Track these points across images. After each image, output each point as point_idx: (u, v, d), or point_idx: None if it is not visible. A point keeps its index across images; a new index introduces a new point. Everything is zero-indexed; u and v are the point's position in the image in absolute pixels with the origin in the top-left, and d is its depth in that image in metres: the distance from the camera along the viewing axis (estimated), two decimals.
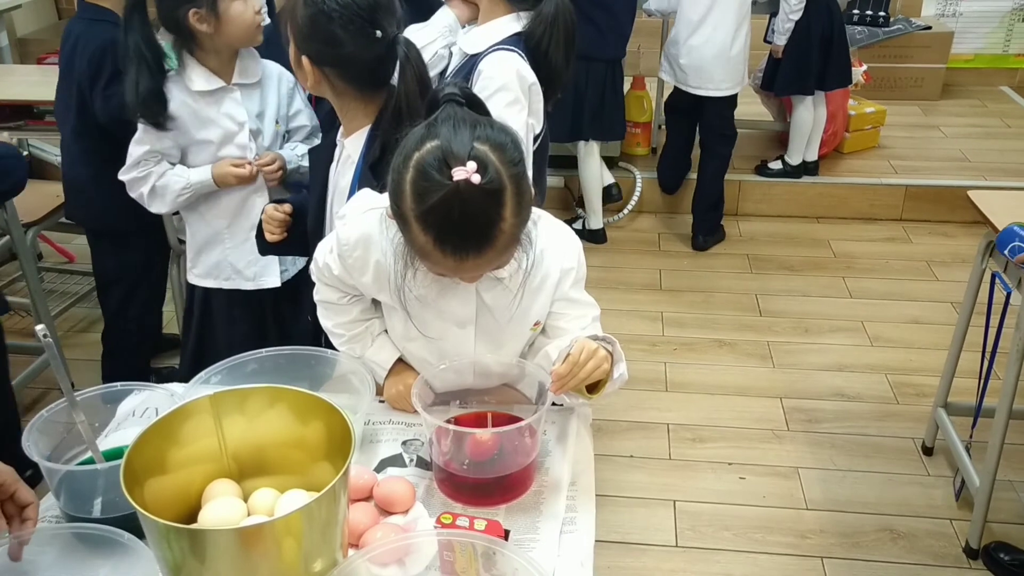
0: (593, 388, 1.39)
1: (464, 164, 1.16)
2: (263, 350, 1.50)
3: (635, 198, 4.42)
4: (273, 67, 2.28)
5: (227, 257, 2.32)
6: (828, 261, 4.00)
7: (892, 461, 2.74)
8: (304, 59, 1.64)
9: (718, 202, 4.16)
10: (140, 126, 2.17)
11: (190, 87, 2.14)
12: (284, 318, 2.40)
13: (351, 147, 1.71)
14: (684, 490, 2.64)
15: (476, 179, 1.15)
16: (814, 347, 3.34)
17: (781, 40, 4.01)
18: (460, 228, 1.19)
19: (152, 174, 2.22)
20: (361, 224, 1.42)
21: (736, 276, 3.88)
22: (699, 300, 3.68)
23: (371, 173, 1.62)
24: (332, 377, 1.53)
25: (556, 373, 1.31)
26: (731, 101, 3.92)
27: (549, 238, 1.44)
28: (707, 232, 4.14)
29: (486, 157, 1.18)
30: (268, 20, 2.23)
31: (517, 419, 1.37)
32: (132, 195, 2.27)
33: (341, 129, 1.75)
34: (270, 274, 2.34)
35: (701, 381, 3.15)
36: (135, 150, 2.21)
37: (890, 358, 3.25)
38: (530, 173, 1.95)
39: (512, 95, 1.94)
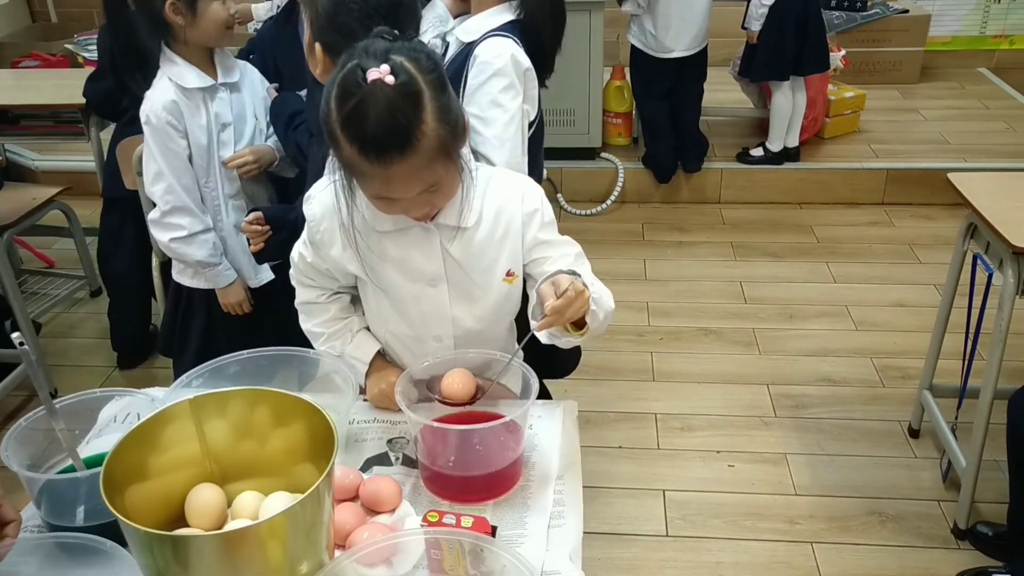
0: (578, 327, 1.38)
1: (378, 68, 1.20)
2: (244, 352, 1.49)
3: (618, 188, 4.42)
4: (247, 66, 2.29)
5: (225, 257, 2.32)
6: (811, 247, 4.01)
7: (879, 444, 2.75)
8: (317, 46, 1.64)
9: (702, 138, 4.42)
10: (159, 159, 2.15)
11: (181, 84, 2.14)
12: (280, 311, 2.40)
13: None
14: (673, 479, 2.64)
15: (390, 80, 1.20)
16: (799, 333, 3.34)
17: (755, 26, 4.03)
18: (379, 128, 1.22)
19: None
20: (323, 198, 1.46)
21: (720, 264, 3.88)
22: (684, 289, 3.68)
23: None
24: (315, 377, 1.52)
25: (553, 308, 1.29)
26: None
27: (506, 188, 1.48)
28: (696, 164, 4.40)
29: (400, 63, 1.23)
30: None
31: (501, 415, 1.36)
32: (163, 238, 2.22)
33: None
34: (264, 269, 2.36)
35: (688, 370, 3.15)
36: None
37: (875, 342, 3.26)
38: (523, 156, 1.98)
39: (507, 80, 1.94)
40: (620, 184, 4.42)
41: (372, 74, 1.20)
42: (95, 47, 3.23)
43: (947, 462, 2.53)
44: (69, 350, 3.37)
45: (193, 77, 2.14)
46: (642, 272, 3.84)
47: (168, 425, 1.16)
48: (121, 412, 1.45)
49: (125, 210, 2.84)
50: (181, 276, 2.33)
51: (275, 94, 2.33)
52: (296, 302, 1.61)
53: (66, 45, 5.16)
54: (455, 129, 1.28)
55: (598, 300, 1.37)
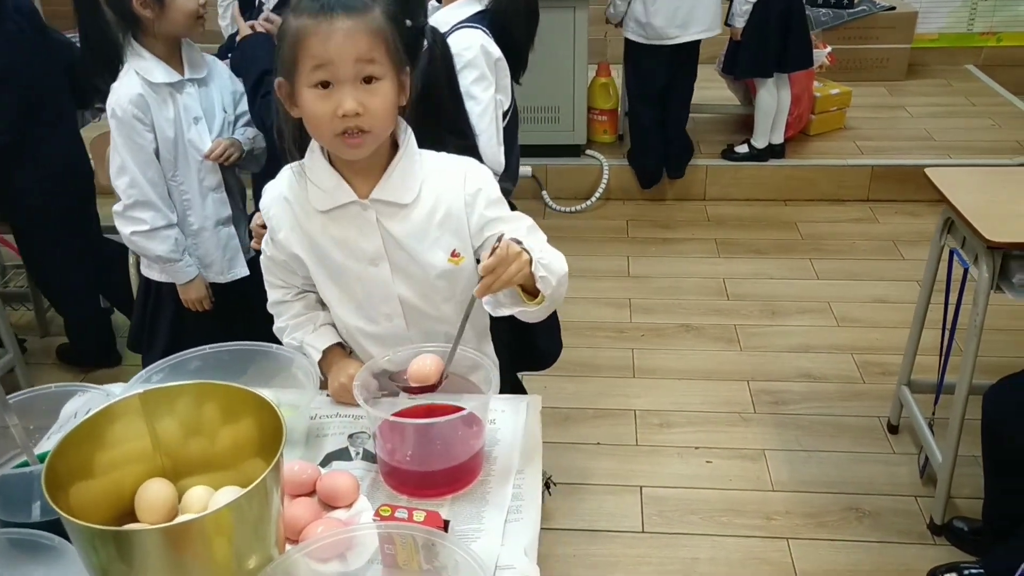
0: (533, 295, 1.38)
1: None
2: (206, 346, 1.49)
3: (602, 185, 4.42)
4: (215, 60, 2.28)
5: (194, 252, 2.31)
6: (796, 243, 4.01)
7: (858, 440, 2.74)
8: None
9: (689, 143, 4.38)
10: (123, 152, 2.14)
11: (148, 78, 2.12)
12: (252, 308, 2.39)
13: None
14: (651, 476, 2.63)
15: None
16: (781, 329, 3.34)
17: (739, 22, 4.03)
18: None
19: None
20: (273, 186, 1.51)
21: (704, 261, 3.88)
22: (667, 286, 3.68)
23: None
24: (277, 372, 1.51)
25: (485, 267, 1.29)
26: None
27: (448, 170, 1.48)
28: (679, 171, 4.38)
29: None
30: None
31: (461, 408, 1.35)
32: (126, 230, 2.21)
33: None
34: (239, 265, 2.36)
35: (668, 366, 3.15)
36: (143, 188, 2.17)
37: (856, 338, 3.26)
38: (500, 146, 1.98)
39: (478, 71, 1.94)
40: (605, 181, 4.42)
41: None
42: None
43: (924, 458, 2.53)
44: (48, 349, 3.36)
45: (160, 72, 2.13)
46: (625, 269, 3.83)
47: (116, 421, 1.15)
48: (82, 408, 1.44)
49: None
50: (149, 271, 2.32)
51: (247, 30, 2.28)
52: (268, 305, 1.63)
53: None
54: (403, 38, 1.34)
55: (548, 266, 1.36)
